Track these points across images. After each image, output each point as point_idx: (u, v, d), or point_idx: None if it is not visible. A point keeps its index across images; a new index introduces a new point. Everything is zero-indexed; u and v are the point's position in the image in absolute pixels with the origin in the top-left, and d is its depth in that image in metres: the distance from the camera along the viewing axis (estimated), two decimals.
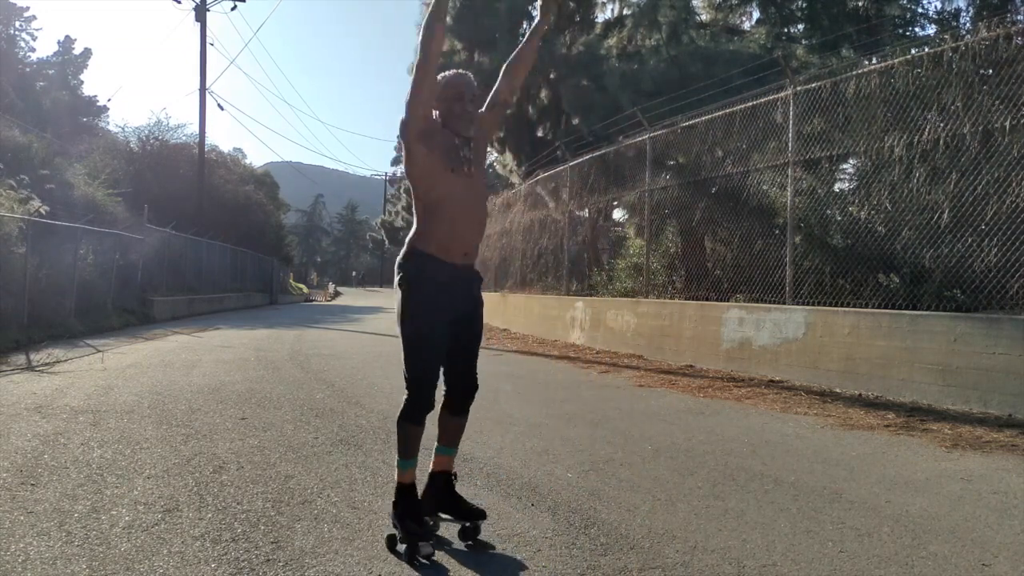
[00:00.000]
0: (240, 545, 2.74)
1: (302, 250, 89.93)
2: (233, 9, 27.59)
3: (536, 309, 14.29)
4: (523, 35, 20.15)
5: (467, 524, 2.82)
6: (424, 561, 2.60)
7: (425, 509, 2.83)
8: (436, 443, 2.96)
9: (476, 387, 2.96)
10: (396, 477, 2.83)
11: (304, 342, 12.26)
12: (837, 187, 8.26)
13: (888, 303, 6.70)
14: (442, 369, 2.85)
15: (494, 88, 3.02)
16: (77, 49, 44.25)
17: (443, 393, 2.92)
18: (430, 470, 2.94)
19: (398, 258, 2.84)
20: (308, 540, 2.80)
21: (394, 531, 2.75)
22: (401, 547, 2.68)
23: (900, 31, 13.53)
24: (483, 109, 2.98)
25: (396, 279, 2.81)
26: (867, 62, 8.03)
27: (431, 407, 2.81)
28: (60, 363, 8.54)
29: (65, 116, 34.11)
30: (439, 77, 2.81)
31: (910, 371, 6.10)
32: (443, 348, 2.78)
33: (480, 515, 2.83)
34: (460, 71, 2.90)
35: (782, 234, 7.91)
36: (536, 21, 3.03)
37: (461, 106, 2.79)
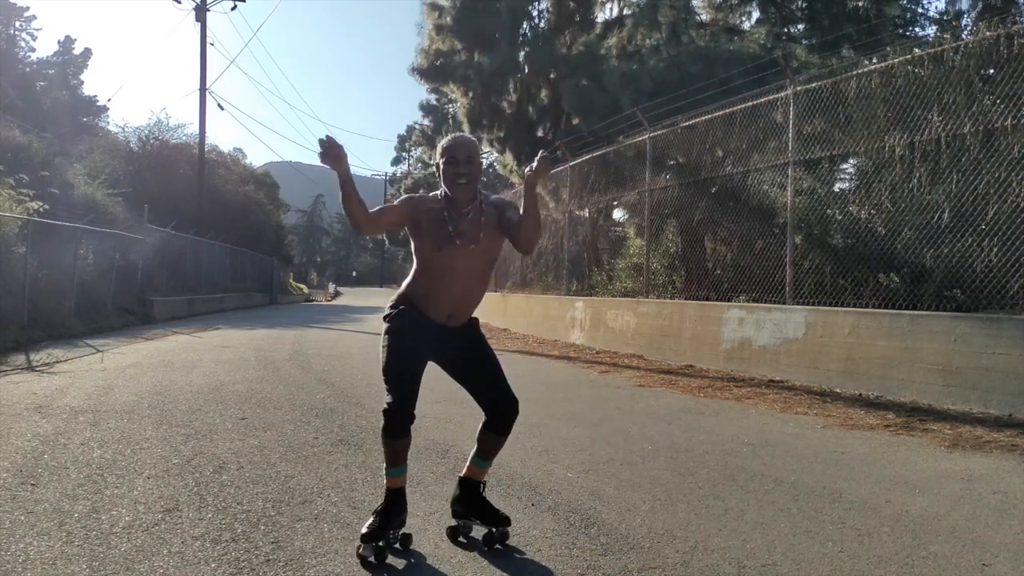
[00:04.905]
0: (240, 545, 2.74)
1: (302, 250, 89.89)
2: (233, 9, 27.61)
3: (536, 309, 14.29)
4: (523, 35, 20.19)
5: (493, 530, 2.84)
6: (371, 560, 2.59)
7: (456, 511, 2.94)
8: (472, 452, 2.99)
9: (512, 406, 2.89)
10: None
11: (304, 342, 12.25)
12: (837, 187, 8.26)
13: (888, 303, 6.69)
14: (478, 395, 2.93)
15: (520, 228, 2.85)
16: (77, 49, 44.20)
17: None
18: (461, 474, 3.00)
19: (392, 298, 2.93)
20: (308, 540, 2.80)
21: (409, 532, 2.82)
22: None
23: (900, 31, 13.53)
24: (510, 222, 2.87)
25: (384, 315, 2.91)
26: (867, 62, 8.02)
27: (408, 420, 2.74)
28: (60, 363, 8.54)
29: (65, 116, 34.06)
30: (440, 143, 2.89)
31: (910, 371, 6.10)
32: (415, 372, 2.81)
33: (504, 521, 2.84)
34: (458, 135, 2.93)
35: (782, 234, 7.91)
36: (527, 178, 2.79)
37: (454, 169, 2.79)
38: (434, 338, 2.86)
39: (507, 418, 2.91)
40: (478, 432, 2.95)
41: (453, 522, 2.95)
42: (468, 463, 2.99)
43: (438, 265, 2.82)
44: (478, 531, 2.89)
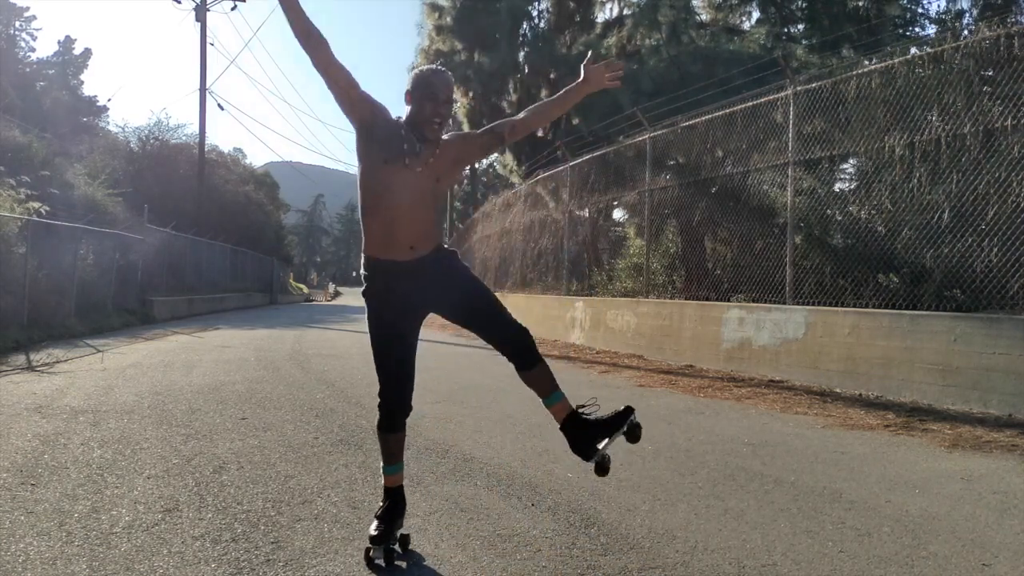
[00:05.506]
0: (240, 545, 2.74)
1: (302, 250, 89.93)
2: (233, 9, 27.61)
3: (536, 309, 14.29)
4: (523, 35, 20.20)
5: (623, 431, 2.70)
6: (379, 563, 2.59)
7: (584, 455, 2.69)
8: (542, 401, 2.80)
9: (524, 332, 2.79)
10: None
11: (304, 342, 12.25)
12: (837, 187, 8.26)
13: (888, 303, 6.70)
14: (489, 337, 2.83)
15: (511, 120, 2.90)
16: (77, 49, 44.23)
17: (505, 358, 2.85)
18: (559, 426, 2.78)
19: None
20: (308, 540, 2.80)
21: (407, 533, 2.80)
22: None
23: (900, 31, 13.54)
24: (484, 131, 2.89)
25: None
26: (867, 62, 8.03)
27: (403, 412, 2.79)
28: (60, 363, 8.54)
29: (65, 116, 34.05)
30: (416, 70, 2.77)
31: (910, 371, 6.10)
32: (405, 354, 2.76)
33: (629, 411, 2.69)
34: (438, 68, 2.77)
35: (782, 234, 7.91)
36: (577, 83, 2.85)
37: (433, 107, 2.66)
38: (413, 291, 2.69)
39: (523, 350, 2.77)
40: (522, 380, 2.82)
41: (590, 465, 2.74)
42: (550, 410, 2.78)
43: (382, 183, 2.63)
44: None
